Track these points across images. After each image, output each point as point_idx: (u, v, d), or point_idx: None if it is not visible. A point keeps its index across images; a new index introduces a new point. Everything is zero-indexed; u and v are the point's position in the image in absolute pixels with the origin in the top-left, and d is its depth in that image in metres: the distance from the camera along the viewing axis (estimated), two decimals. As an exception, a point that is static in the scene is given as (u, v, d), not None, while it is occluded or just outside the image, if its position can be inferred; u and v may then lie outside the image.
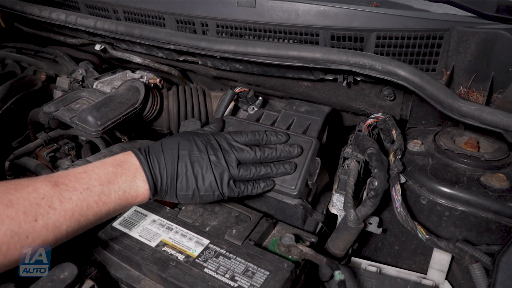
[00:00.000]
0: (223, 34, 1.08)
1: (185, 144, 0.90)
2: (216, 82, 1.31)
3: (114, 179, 0.80)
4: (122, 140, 1.27)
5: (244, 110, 1.18)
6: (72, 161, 1.25)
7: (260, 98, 1.17)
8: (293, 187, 0.95)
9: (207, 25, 1.09)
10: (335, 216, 1.06)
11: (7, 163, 1.09)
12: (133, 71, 1.35)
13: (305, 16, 0.99)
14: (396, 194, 0.90)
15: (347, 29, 0.97)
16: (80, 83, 1.31)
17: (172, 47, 1.04)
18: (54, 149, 1.19)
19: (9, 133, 1.29)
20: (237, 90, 1.14)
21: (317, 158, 0.99)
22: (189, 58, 1.16)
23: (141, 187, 0.83)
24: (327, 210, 1.10)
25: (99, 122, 1.04)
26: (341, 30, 0.97)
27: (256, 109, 1.16)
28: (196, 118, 1.25)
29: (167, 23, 1.14)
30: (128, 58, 1.31)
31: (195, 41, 1.00)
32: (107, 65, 1.51)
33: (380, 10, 0.97)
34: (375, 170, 0.89)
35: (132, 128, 1.25)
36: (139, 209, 1.00)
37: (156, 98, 1.20)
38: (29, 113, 1.33)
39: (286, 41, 1.03)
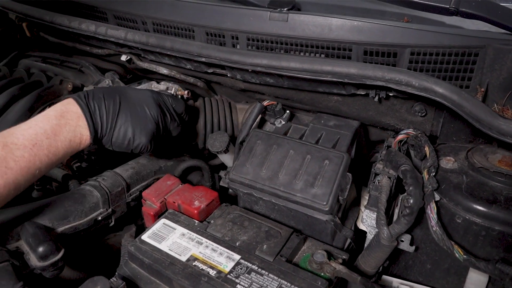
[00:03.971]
0: (253, 47, 1.08)
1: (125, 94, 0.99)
2: (241, 94, 1.31)
3: (59, 131, 0.87)
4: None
5: (271, 123, 1.17)
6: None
7: (288, 111, 1.17)
8: (324, 203, 0.93)
9: (237, 38, 1.09)
10: (362, 231, 1.05)
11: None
12: (158, 82, 1.36)
13: (338, 31, 0.99)
14: (432, 213, 0.89)
15: (381, 44, 0.96)
16: (107, 93, 1.32)
17: (203, 59, 1.04)
18: (80, 159, 1.19)
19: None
20: (265, 103, 1.14)
21: (348, 173, 0.98)
22: (218, 71, 1.16)
23: (84, 134, 0.91)
24: (355, 225, 1.09)
25: (129, 134, 1.04)
26: (374, 45, 0.97)
27: (283, 123, 1.15)
28: (222, 130, 1.24)
29: (197, 35, 1.14)
30: (154, 69, 1.31)
31: (227, 55, 1.00)
32: (131, 75, 1.52)
33: (414, 26, 0.96)
34: (410, 188, 0.88)
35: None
36: (167, 222, 0.99)
37: (184, 110, 1.20)
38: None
39: (317, 55, 1.03)
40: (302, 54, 1.04)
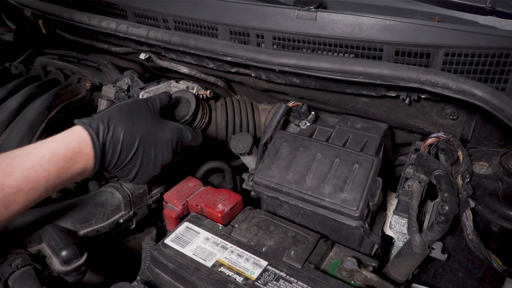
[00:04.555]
0: (279, 47, 1.05)
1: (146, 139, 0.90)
2: (263, 95, 1.28)
3: (63, 174, 0.79)
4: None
5: (295, 124, 1.14)
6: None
7: (313, 113, 1.14)
8: (354, 208, 0.90)
9: (262, 37, 1.06)
10: (388, 237, 1.02)
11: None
12: (177, 81, 1.33)
13: (369, 30, 0.95)
14: (468, 220, 0.85)
15: (414, 44, 0.93)
16: (126, 92, 1.29)
17: (229, 59, 1.02)
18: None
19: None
20: (290, 104, 1.11)
21: (378, 178, 0.95)
22: (241, 70, 1.13)
23: (87, 174, 0.84)
24: (382, 231, 1.06)
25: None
26: (407, 45, 0.93)
27: (308, 124, 1.12)
28: (244, 131, 1.21)
29: (220, 33, 1.11)
30: (174, 68, 1.29)
31: (254, 54, 0.97)
32: (149, 74, 1.49)
33: (449, 26, 0.92)
34: (446, 194, 0.85)
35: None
36: (190, 225, 0.96)
37: (205, 110, 1.17)
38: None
39: (347, 55, 0.99)
40: (330, 54, 1.01)
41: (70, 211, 0.92)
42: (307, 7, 1.01)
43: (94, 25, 1.23)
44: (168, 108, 1.08)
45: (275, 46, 1.06)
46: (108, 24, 1.21)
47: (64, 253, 0.81)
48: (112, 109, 0.89)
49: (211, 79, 1.28)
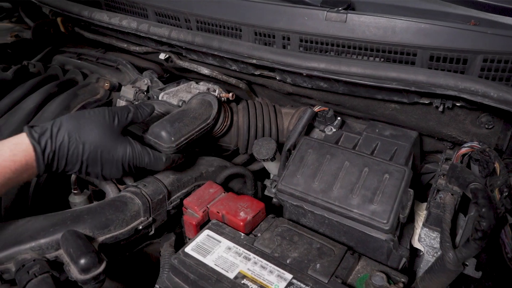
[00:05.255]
0: (306, 49, 1.01)
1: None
2: (286, 98, 1.24)
3: (8, 184, 0.82)
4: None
5: (320, 130, 1.10)
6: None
7: (339, 118, 1.09)
8: (385, 221, 0.86)
9: (288, 39, 1.02)
10: (415, 249, 0.98)
11: (73, 177, 1.04)
12: (197, 82, 1.30)
13: (402, 33, 0.91)
14: (507, 237, 0.81)
15: (450, 49, 0.88)
16: (145, 93, 1.26)
17: (254, 61, 0.98)
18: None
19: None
20: (316, 109, 1.06)
21: (409, 189, 0.90)
22: (266, 73, 1.09)
23: (31, 178, 0.93)
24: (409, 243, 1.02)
25: (172, 138, 0.98)
26: (442, 50, 0.89)
27: (334, 130, 1.08)
28: (267, 135, 1.18)
29: (244, 35, 1.07)
30: (194, 69, 1.25)
31: (281, 57, 0.94)
32: (168, 74, 1.46)
33: (489, 30, 0.87)
34: (483, 209, 0.80)
35: (196, 143, 1.19)
36: (211, 233, 0.93)
37: (227, 114, 1.14)
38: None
39: (377, 59, 0.95)
40: (359, 58, 0.96)
41: (89, 216, 0.89)
42: (336, 9, 0.97)
43: (115, 24, 1.21)
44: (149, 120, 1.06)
45: (301, 49, 1.02)
46: (129, 23, 1.18)
47: (82, 261, 0.78)
48: (68, 118, 0.90)
49: (233, 81, 1.24)
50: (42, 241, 0.84)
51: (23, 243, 0.83)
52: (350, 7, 1.03)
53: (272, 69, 1.06)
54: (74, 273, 0.80)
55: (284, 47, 1.04)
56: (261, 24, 1.04)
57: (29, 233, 0.84)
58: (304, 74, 0.94)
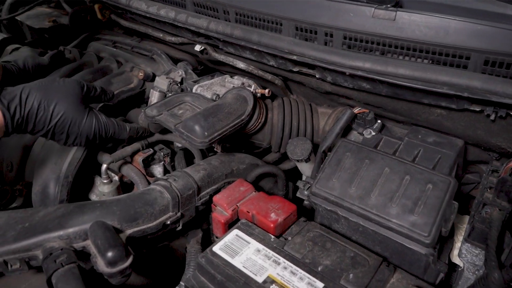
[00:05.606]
0: (349, 47, 0.96)
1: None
2: (323, 97, 1.19)
3: None
4: (215, 150, 1.19)
5: (358, 133, 1.05)
6: (165, 168, 1.18)
7: (379, 121, 1.04)
8: (426, 234, 0.81)
9: (331, 36, 0.97)
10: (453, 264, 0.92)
11: (104, 166, 1.03)
12: (232, 76, 1.27)
13: (456, 34, 0.85)
14: (561, 261, 0.74)
15: (508, 54, 0.82)
16: (179, 85, 1.24)
17: (294, 57, 0.94)
18: (149, 154, 1.12)
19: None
20: (355, 110, 1.02)
21: (454, 201, 0.85)
22: (305, 70, 1.05)
23: None
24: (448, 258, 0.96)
25: (206, 133, 0.96)
26: (499, 54, 0.82)
27: (373, 134, 1.03)
28: (301, 135, 1.13)
29: (284, 29, 1.03)
30: (230, 63, 1.22)
31: (324, 54, 0.89)
32: (202, 66, 1.44)
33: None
34: (537, 229, 0.74)
35: (228, 138, 1.16)
36: (240, 233, 0.90)
37: (262, 110, 1.10)
38: (126, 112, 1.27)
39: (426, 61, 0.89)
40: (407, 58, 0.91)
41: (118, 208, 0.88)
42: (385, 6, 0.92)
43: (152, 13, 1.19)
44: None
45: (344, 46, 0.97)
46: (167, 13, 1.15)
47: (110, 254, 0.77)
48: (37, 86, 0.95)
49: (268, 76, 1.20)
50: (71, 230, 0.82)
51: (51, 231, 0.82)
52: (398, 5, 0.97)
53: (312, 66, 1.01)
54: (101, 265, 0.79)
55: (325, 43, 0.99)
56: (303, 19, 0.99)
57: (58, 221, 0.83)
58: (347, 74, 0.90)
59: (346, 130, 1.09)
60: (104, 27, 1.71)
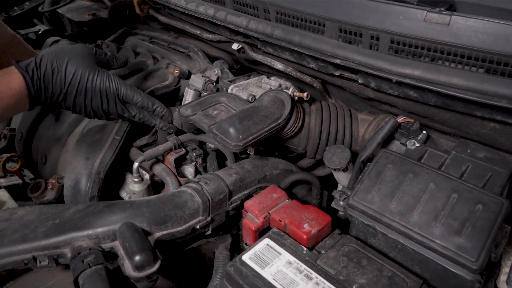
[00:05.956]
0: (396, 52, 0.90)
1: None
2: (363, 103, 1.14)
3: (7, 110, 0.91)
4: (248, 152, 1.15)
5: (401, 143, 0.99)
6: (197, 169, 1.15)
7: (424, 132, 0.97)
8: (473, 259, 0.74)
9: (377, 39, 0.91)
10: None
11: (136, 165, 1.02)
12: (268, 77, 1.23)
13: (518, 43, 0.78)
14: None
15: None
16: (214, 84, 1.21)
17: (338, 61, 0.89)
18: (181, 154, 1.10)
19: (138, 128, 1.23)
20: (399, 120, 0.95)
21: (506, 225, 0.78)
22: (346, 74, 0.99)
23: (25, 108, 0.96)
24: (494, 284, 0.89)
25: (241, 136, 0.92)
26: None
27: (417, 145, 0.96)
28: (339, 142, 1.08)
29: (327, 30, 0.98)
30: (268, 63, 1.18)
31: (370, 59, 0.84)
32: (239, 66, 1.40)
33: None
34: None
35: (262, 141, 1.12)
36: (271, 243, 0.86)
37: (299, 114, 1.06)
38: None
39: (481, 70, 0.82)
40: (460, 67, 0.84)
41: (148, 210, 0.85)
42: (438, 9, 0.85)
43: (191, 10, 1.16)
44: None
45: (390, 51, 0.91)
46: (206, 10, 1.12)
47: (137, 258, 0.75)
48: (49, 51, 0.99)
49: (307, 79, 1.15)
50: (100, 230, 0.81)
51: (80, 230, 0.81)
52: (452, 8, 0.91)
53: (355, 71, 0.96)
54: (128, 268, 0.77)
55: (370, 47, 0.94)
56: (348, 21, 0.94)
57: (88, 220, 0.82)
58: (394, 81, 0.84)
59: (387, 140, 1.03)
60: (142, 22, 1.71)
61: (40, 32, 1.84)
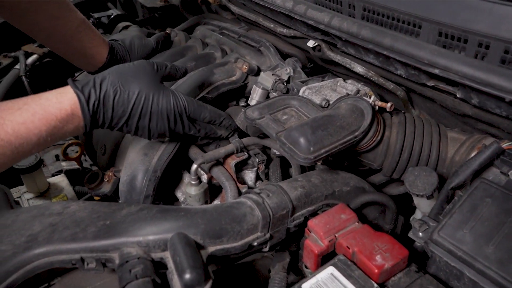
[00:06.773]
0: (510, 63, 0.75)
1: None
2: (454, 118, 0.98)
3: (55, 133, 0.81)
4: (316, 162, 1.04)
5: (502, 172, 0.83)
6: (258, 175, 1.06)
7: (533, 161, 0.81)
8: None
9: (487, 47, 0.77)
10: None
11: (194, 167, 0.95)
12: (345, 80, 1.10)
13: None
14: None
15: None
16: (285, 84, 1.11)
17: (436, 71, 0.75)
18: (243, 159, 1.02)
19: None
20: (504, 146, 0.80)
21: None
22: (441, 86, 0.85)
23: (79, 132, 0.87)
24: None
25: (312, 148, 0.82)
26: None
27: (522, 176, 0.80)
28: (423, 162, 0.94)
29: (423, 33, 0.84)
30: (346, 65, 1.06)
31: (479, 72, 0.70)
32: (312, 64, 1.29)
33: None
34: None
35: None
36: (336, 273, 0.75)
37: (379, 127, 0.93)
38: (224, 107, 1.18)
39: None
40: None
41: (203, 221, 0.78)
42: None
43: (267, 1, 1.07)
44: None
45: (503, 63, 0.76)
46: (284, 2, 1.02)
47: (187, 276, 0.67)
48: (109, 71, 0.91)
49: (390, 85, 1.02)
50: (151, 238, 0.75)
51: (131, 235, 0.75)
52: None
53: (453, 83, 0.81)
54: (176, 285, 0.70)
55: (475, 56, 0.79)
56: (452, 23, 0.79)
57: (139, 225, 0.76)
58: (507, 100, 0.69)
59: (485, 166, 0.87)
60: (213, 12, 1.64)
61: (112, 17, 1.84)
